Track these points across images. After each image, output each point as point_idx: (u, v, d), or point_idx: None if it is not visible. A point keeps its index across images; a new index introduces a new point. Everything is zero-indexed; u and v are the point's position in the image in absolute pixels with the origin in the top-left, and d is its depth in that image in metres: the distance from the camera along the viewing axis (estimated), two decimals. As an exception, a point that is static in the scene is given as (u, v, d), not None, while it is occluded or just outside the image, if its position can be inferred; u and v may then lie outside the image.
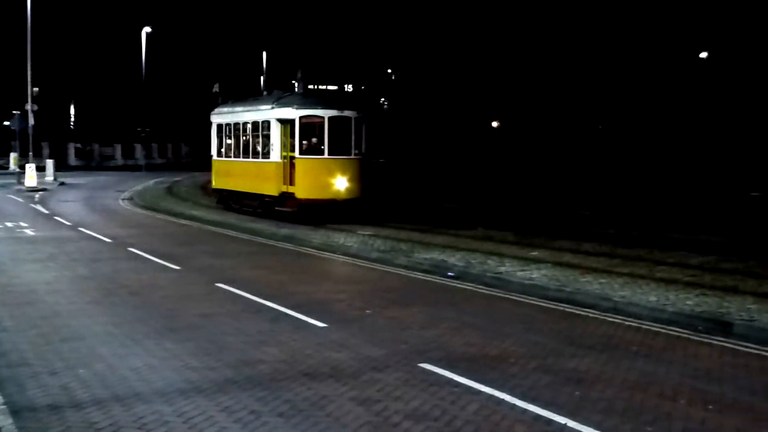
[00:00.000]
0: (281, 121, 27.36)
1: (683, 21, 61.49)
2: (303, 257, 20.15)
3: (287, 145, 27.16)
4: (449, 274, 16.90)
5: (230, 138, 32.14)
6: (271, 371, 9.64)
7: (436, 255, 18.94)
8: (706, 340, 11.35)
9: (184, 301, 14.00)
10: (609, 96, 67.03)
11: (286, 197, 27.13)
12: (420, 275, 17.06)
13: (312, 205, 26.43)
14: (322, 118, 26.44)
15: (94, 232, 25.10)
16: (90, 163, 78.13)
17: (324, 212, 26.42)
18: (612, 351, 10.67)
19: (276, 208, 27.76)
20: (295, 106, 27.01)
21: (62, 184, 50.88)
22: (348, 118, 26.81)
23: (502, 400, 8.57)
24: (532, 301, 14.18)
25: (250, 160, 29.87)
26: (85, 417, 8.04)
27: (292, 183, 26.81)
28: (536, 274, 16.16)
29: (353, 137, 26.83)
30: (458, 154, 66.25)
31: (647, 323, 12.38)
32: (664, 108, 64.30)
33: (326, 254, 20.37)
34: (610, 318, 12.79)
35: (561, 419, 7.98)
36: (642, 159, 55.72)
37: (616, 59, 64.99)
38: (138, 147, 77.19)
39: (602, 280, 15.38)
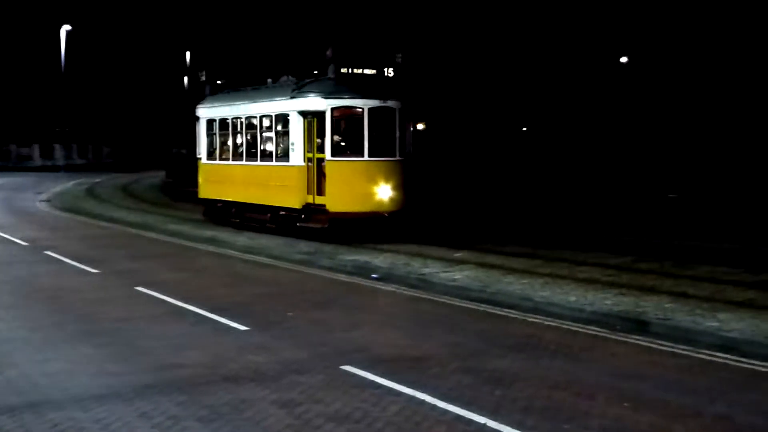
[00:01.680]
0: (305, 113, 22.13)
1: (605, 26, 62.74)
2: (225, 260, 19.95)
3: (313, 145, 22.12)
4: (373, 276, 16.90)
5: (228, 136, 26.46)
6: (192, 375, 9.51)
7: (360, 257, 18.94)
8: (623, 339, 11.57)
9: (103, 305, 13.73)
10: (533, 99, 68.00)
11: (313, 210, 22.00)
12: (344, 277, 17.04)
13: (348, 220, 21.50)
14: (361, 109, 21.57)
15: (10, 234, 24.47)
16: (6, 164, 76.20)
17: (363, 229, 21.69)
18: (532, 350, 10.80)
19: (299, 224, 22.51)
20: (325, 95, 21.69)
21: (-23, 185, 49.50)
22: (392, 110, 21.97)
23: (423, 400, 8.60)
24: (454, 302, 14.27)
25: (259, 163, 24.50)
26: (-3, 425, 7.82)
27: (320, 192, 21.71)
28: (459, 275, 16.29)
29: (398, 134, 22.10)
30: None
31: (567, 323, 12.57)
32: (587, 111, 65.49)
33: (249, 256, 20.20)
34: (531, 318, 12.95)
35: (481, 419, 8.04)
36: (565, 161, 56.64)
37: (540, 63, 65.96)
38: (57, 147, 75.56)
39: (524, 281, 15.57)
